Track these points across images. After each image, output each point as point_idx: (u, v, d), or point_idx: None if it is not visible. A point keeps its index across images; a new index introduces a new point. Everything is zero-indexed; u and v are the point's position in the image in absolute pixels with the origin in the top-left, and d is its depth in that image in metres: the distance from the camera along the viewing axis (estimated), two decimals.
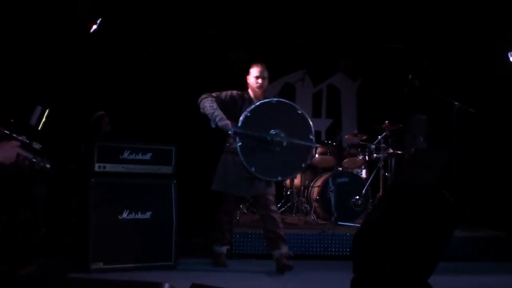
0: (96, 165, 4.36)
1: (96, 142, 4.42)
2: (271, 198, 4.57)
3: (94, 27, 5.88)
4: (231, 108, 4.51)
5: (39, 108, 2.78)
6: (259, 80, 4.60)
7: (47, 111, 2.81)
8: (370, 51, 7.74)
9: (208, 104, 4.34)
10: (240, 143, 4.27)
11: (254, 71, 4.64)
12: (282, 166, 4.45)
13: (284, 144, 4.36)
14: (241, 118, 4.32)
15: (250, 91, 4.66)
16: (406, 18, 6.82)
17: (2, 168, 2.18)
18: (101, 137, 5.95)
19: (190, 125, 7.07)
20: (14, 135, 2.27)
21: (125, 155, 4.48)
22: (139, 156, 4.54)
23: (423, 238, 2.71)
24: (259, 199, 4.58)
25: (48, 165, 2.28)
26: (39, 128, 2.78)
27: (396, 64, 7.60)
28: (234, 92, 4.61)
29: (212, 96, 4.46)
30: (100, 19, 5.89)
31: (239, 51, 7.36)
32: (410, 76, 5.85)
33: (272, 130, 4.37)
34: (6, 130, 2.24)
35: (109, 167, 4.41)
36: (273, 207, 4.57)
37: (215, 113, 4.27)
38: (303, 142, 4.44)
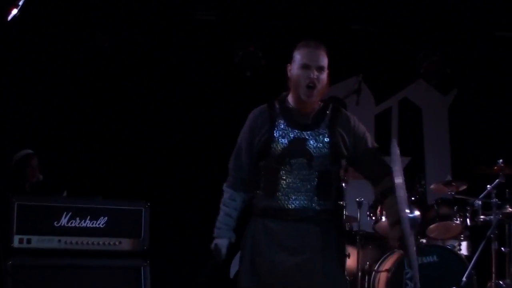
0: (16, 237, 4.45)
1: (15, 199, 4.49)
2: None
3: (14, 11, 5.99)
4: (256, 146, 4.02)
5: None
6: (313, 74, 3.76)
7: None
8: (469, 44, 7.74)
9: (221, 204, 4.13)
10: None
11: (300, 55, 3.87)
12: None
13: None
14: None
15: (290, 97, 3.97)
16: None
17: None
18: (26, 190, 6.02)
19: (174, 171, 7.10)
20: None
21: (63, 220, 4.57)
22: (87, 222, 4.63)
23: None
24: None
25: None
26: None
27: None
28: (252, 119, 4.01)
29: (232, 178, 4.11)
30: None
31: (251, 46, 7.42)
32: None
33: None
34: None
35: (37, 241, 4.51)
36: None
37: (217, 225, 4.08)
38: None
